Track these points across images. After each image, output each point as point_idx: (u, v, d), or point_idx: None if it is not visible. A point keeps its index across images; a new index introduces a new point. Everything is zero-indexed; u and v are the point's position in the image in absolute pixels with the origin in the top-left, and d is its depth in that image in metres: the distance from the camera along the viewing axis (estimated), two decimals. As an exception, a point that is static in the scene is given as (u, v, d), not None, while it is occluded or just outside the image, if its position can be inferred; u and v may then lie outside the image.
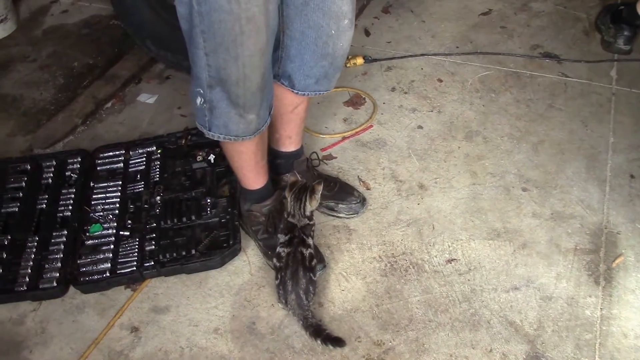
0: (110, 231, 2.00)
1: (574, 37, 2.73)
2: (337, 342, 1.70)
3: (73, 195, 2.12)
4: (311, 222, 1.82)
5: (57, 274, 1.90)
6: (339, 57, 1.72)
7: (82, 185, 2.15)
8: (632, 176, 2.11)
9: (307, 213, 1.79)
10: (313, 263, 1.79)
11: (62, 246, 1.97)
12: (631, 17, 2.53)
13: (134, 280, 1.91)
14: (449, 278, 1.87)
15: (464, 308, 1.79)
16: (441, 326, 1.76)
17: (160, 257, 1.91)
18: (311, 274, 1.76)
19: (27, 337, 1.81)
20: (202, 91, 1.56)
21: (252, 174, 1.88)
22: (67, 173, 2.20)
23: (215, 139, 1.67)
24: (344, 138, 2.34)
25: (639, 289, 1.80)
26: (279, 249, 1.79)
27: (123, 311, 1.85)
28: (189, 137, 2.27)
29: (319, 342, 1.71)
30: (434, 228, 2.01)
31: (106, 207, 2.08)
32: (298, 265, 1.75)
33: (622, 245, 1.92)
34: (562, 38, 2.73)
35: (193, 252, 1.92)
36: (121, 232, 1.99)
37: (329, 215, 2.06)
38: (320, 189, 1.79)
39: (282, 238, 1.80)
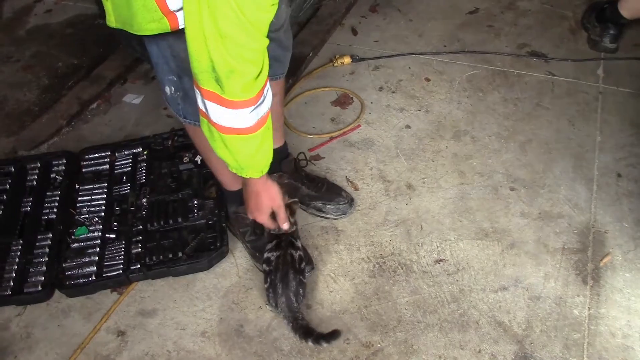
0: (96, 234, 1.98)
1: (560, 36, 2.73)
2: (332, 336, 1.69)
3: (58, 198, 2.10)
4: (296, 226, 1.82)
5: (42, 278, 1.88)
6: (282, 38, 1.75)
7: (67, 188, 2.13)
8: (619, 175, 2.12)
9: (292, 220, 1.79)
10: (302, 265, 1.78)
11: (47, 249, 1.95)
12: (614, 16, 2.54)
13: (120, 283, 1.89)
14: (437, 279, 1.87)
15: (452, 309, 1.79)
16: (430, 327, 1.75)
17: (147, 260, 1.89)
18: (301, 277, 1.76)
19: (12, 343, 1.79)
20: (175, 79, 1.56)
21: (231, 174, 1.86)
22: (52, 175, 2.18)
23: (192, 125, 1.67)
24: (331, 138, 2.33)
25: (627, 288, 1.81)
26: (267, 255, 1.78)
27: (109, 315, 1.83)
28: (176, 138, 2.25)
29: (310, 342, 1.69)
30: (422, 228, 2.01)
31: (92, 209, 2.06)
32: (288, 267, 1.74)
33: (609, 244, 1.92)
34: (549, 37, 2.73)
35: (180, 254, 1.90)
36: (107, 235, 1.98)
37: (317, 216, 2.05)
38: (296, 208, 1.82)
39: (269, 245, 1.79)
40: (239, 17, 1.20)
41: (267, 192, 1.66)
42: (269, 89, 1.43)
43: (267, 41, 1.31)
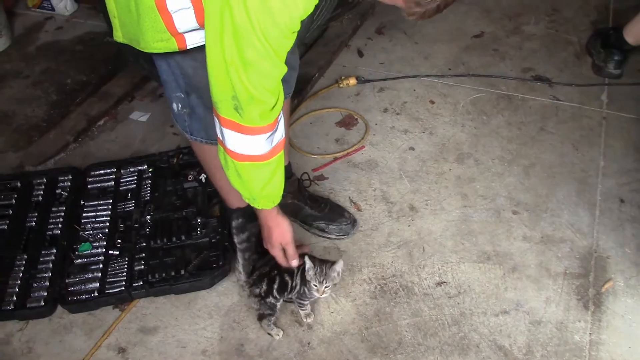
0: (99, 250, 1.99)
1: (565, 61, 2.75)
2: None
3: (63, 214, 2.11)
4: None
5: (45, 293, 1.89)
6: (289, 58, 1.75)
7: (72, 203, 2.15)
8: (622, 200, 2.12)
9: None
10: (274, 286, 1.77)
11: (51, 265, 1.97)
12: (619, 42, 2.55)
13: (122, 300, 1.90)
14: (438, 301, 1.87)
15: (453, 332, 1.79)
16: (430, 350, 1.75)
17: (150, 277, 1.90)
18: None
19: (13, 357, 1.80)
20: (182, 96, 1.58)
21: (235, 191, 1.87)
22: (58, 191, 2.20)
23: (198, 142, 1.69)
24: (335, 159, 2.35)
25: (628, 314, 1.80)
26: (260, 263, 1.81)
27: (111, 331, 1.84)
28: (181, 156, 2.27)
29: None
30: (424, 250, 2.01)
31: (96, 225, 2.07)
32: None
33: (611, 269, 1.92)
34: (554, 61, 2.75)
35: (182, 272, 1.91)
36: (110, 252, 1.99)
37: (320, 236, 2.06)
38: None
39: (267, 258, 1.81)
40: (264, 45, 1.23)
41: (278, 227, 1.69)
42: (282, 119, 1.45)
43: (285, 68, 1.33)
